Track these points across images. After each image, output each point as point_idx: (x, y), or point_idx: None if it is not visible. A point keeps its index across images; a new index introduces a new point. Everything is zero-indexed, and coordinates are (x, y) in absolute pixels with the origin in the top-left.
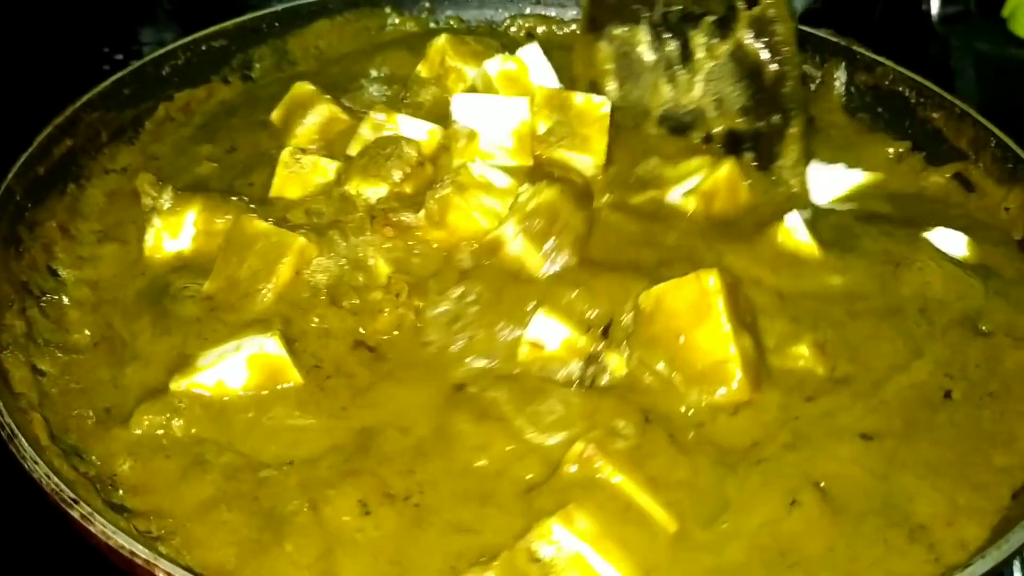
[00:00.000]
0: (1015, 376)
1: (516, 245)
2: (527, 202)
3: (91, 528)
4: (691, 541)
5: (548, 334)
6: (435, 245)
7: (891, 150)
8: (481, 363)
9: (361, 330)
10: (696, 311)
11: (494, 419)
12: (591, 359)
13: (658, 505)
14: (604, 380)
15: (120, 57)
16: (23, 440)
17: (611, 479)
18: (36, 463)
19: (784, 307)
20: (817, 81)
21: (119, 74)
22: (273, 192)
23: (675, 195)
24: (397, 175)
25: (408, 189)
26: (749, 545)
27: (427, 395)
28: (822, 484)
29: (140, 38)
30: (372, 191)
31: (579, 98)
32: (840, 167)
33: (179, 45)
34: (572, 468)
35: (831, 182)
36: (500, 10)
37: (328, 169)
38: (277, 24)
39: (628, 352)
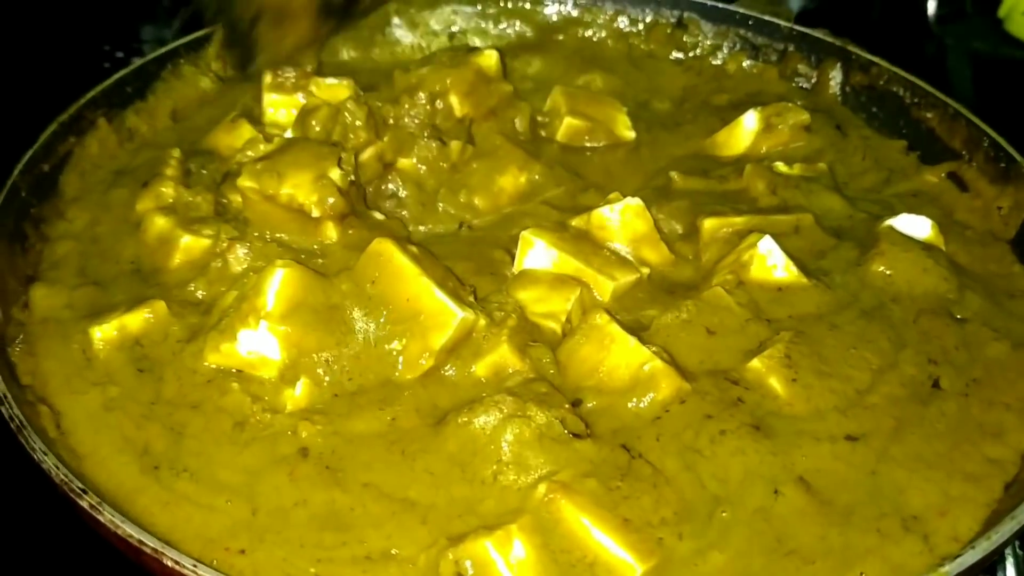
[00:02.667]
0: (997, 366)
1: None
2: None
3: (100, 518)
4: (687, 549)
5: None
6: None
7: None
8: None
9: None
10: (599, 343)
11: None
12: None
13: (627, 546)
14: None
15: (121, 55)
16: (32, 432)
17: (574, 522)
18: (45, 454)
19: (758, 332)
20: (813, 81)
21: (122, 72)
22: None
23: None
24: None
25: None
26: (748, 532)
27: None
28: (804, 478)
29: (141, 35)
30: None
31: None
32: None
33: (181, 44)
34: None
35: None
36: None
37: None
38: None
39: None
